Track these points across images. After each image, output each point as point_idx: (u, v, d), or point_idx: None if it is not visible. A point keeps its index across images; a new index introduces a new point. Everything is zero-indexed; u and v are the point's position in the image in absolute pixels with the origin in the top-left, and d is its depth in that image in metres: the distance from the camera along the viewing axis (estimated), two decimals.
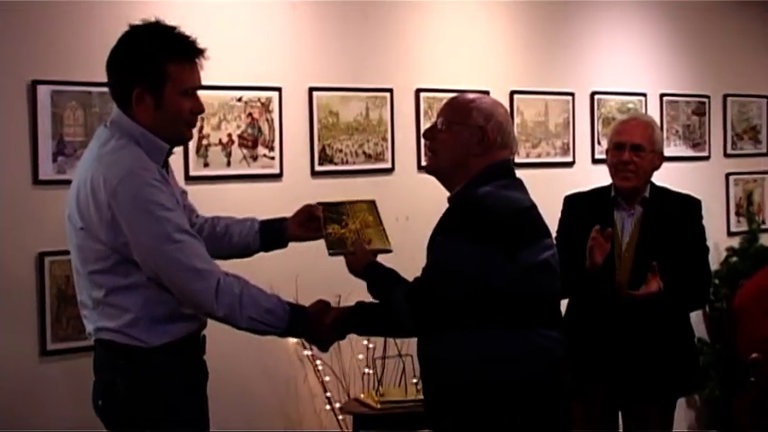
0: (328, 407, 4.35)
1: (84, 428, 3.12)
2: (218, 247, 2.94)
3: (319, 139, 4.48)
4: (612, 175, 3.59)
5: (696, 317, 5.10)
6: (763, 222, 6.15)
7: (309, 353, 4.24)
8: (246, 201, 4.07)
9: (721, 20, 6.03)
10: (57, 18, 3.80)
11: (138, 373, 2.54)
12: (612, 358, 3.50)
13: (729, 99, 6.08)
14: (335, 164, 4.52)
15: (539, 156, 5.20)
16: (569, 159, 5.34)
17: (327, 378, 4.34)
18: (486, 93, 4.48)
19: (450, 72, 4.86)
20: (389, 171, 4.68)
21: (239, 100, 4.25)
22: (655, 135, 3.60)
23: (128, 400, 2.54)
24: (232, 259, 3.02)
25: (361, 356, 4.38)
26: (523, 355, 2.55)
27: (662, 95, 5.76)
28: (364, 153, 4.60)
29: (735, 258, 5.86)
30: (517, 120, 5.06)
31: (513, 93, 5.08)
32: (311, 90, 4.45)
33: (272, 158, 4.34)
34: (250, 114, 4.28)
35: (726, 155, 6.10)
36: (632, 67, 5.63)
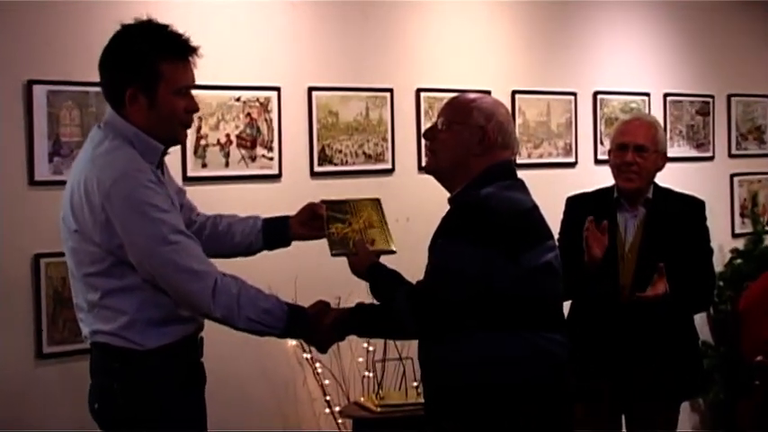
0: (328, 410, 4.34)
1: None
2: (220, 246, 2.95)
3: (319, 140, 4.47)
4: (615, 176, 3.59)
5: (700, 319, 5.09)
6: None
7: (309, 355, 4.24)
8: (245, 202, 4.05)
9: (726, 19, 6.03)
10: (53, 17, 3.80)
11: (135, 376, 2.53)
12: (616, 361, 3.49)
13: (734, 99, 6.08)
14: (335, 164, 4.52)
15: (541, 156, 5.20)
16: (571, 160, 5.34)
17: (327, 381, 4.34)
18: (488, 92, 4.48)
19: (451, 71, 4.86)
20: (390, 172, 4.68)
21: (238, 100, 4.25)
22: (658, 135, 3.60)
23: (124, 404, 2.54)
24: (234, 258, 3.02)
25: (360, 359, 4.38)
26: (526, 358, 2.55)
27: (665, 95, 5.76)
28: (364, 153, 4.60)
29: (739, 260, 5.85)
30: (519, 120, 5.06)
31: (514, 92, 5.08)
32: (310, 90, 4.45)
33: (271, 159, 4.34)
34: (249, 114, 4.28)
35: (730, 155, 6.09)
36: (635, 66, 5.63)
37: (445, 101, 2.83)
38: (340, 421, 4.32)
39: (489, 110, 2.69)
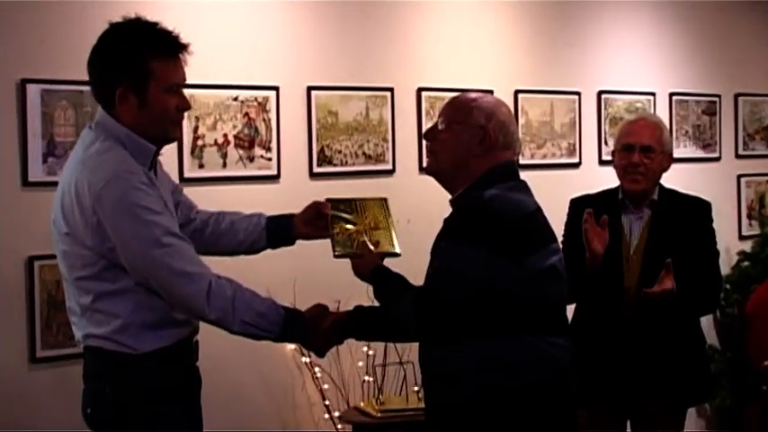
0: (327, 416, 4.34)
1: None
2: (223, 244, 2.95)
3: (318, 140, 4.47)
4: (621, 178, 3.58)
5: (707, 323, 5.09)
6: None
7: (308, 360, 4.24)
8: (243, 203, 4.01)
9: (732, 17, 6.02)
10: (47, 15, 3.79)
11: (128, 380, 2.53)
12: (621, 365, 3.49)
13: (741, 98, 6.08)
14: (335, 165, 4.51)
15: (544, 157, 5.20)
16: (575, 160, 5.33)
17: (326, 386, 4.34)
18: (490, 92, 4.48)
19: (453, 71, 4.86)
20: (390, 172, 4.67)
21: (235, 99, 4.24)
22: (664, 136, 3.59)
23: (117, 409, 2.53)
24: (237, 256, 3.01)
25: (360, 364, 4.38)
26: (529, 362, 2.54)
27: (671, 95, 5.76)
28: (364, 154, 4.60)
29: (746, 263, 5.85)
30: (522, 120, 5.06)
31: (517, 92, 5.08)
32: (309, 89, 4.44)
33: (270, 159, 4.33)
34: (246, 114, 4.27)
35: (737, 156, 6.09)
36: (641, 65, 5.63)
37: (447, 100, 2.82)
38: (339, 427, 4.32)
39: (490, 109, 2.68)
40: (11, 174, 3.71)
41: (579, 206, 3.61)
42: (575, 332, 3.35)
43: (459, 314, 2.51)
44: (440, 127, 2.71)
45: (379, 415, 4.17)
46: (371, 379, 4.36)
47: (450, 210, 2.69)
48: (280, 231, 2.99)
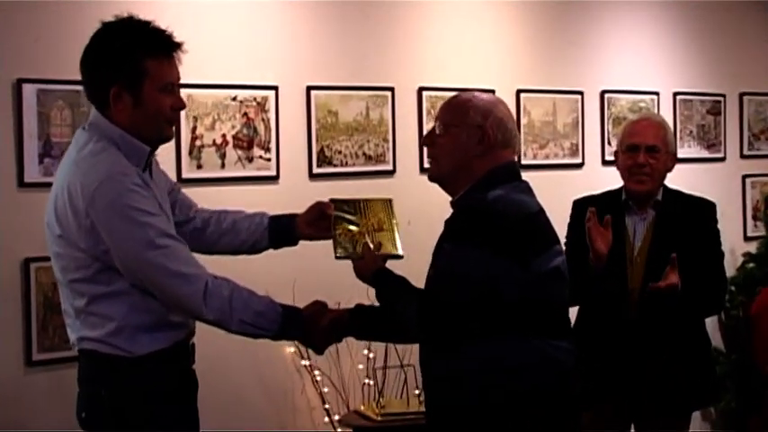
0: (327, 419, 4.33)
1: None
2: (224, 243, 2.96)
3: (317, 140, 4.47)
4: (626, 179, 3.57)
5: (711, 325, 5.08)
6: None
7: (307, 363, 4.23)
8: (242, 204, 3.98)
9: (738, 16, 6.02)
10: (43, 14, 3.79)
11: (123, 383, 2.53)
12: (625, 367, 3.48)
13: (746, 98, 6.07)
14: (335, 166, 4.51)
15: (546, 157, 5.19)
16: (578, 161, 5.33)
17: (326, 389, 4.33)
18: (492, 92, 4.47)
19: (454, 70, 4.85)
20: (391, 173, 4.67)
21: (234, 99, 4.24)
22: (668, 136, 3.59)
23: (112, 412, 2.53)
24: (238, 256, 3.01)
25: (361, 366, 4.37)
26: (533, 366, 2.54)
27: (675, 94, 5.75)
28: (364, 154, 4.59)
29: (752, 264, 5.84)
30: (524, 120, 5.06)
31: (519, 91, 5.07)
32: (309, 89, 4.44)
33: (269, 160, 4.33)
34: (245, 114, 4.27)
35: (742, 156, 6.08)
36: (644, 64, 5.62)
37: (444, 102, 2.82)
38: (339, 430, 4.31)
39: (486, 107, 2.67)
40: (7, 174, 3.71)
41: (582, 207, 3.61)
42: (578, 334, 3.36)
43: (464, 317, 2.50)
44: (437, 131, 2.70)
45: (379, 418, 4.16)
46: (372, 382, 4.35)
47: (451, 211, 2.68)
48: (282, 231, 2.98)
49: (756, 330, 4.86)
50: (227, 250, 2.98)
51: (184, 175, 4.08)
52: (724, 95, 5.97)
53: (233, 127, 4.24)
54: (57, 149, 3.74)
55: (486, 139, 2.63)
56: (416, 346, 2.77)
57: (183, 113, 3.99)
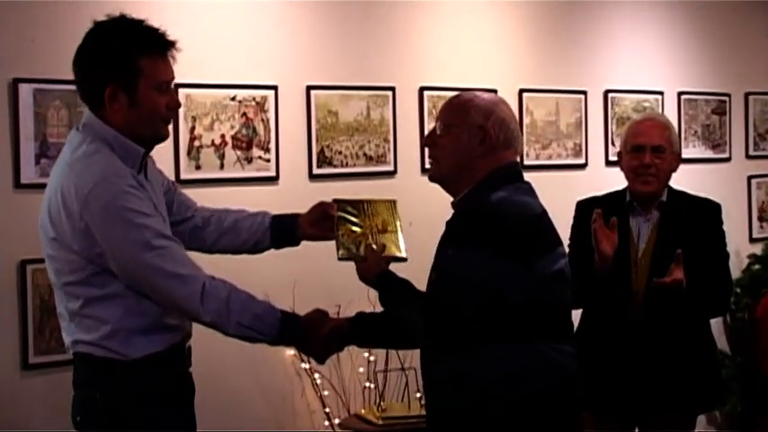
0: (327, 423, 4.33)
1: None
2: (225, 242, 2.96)
3: (317, 141, 4.46)
4: (631, 180, 3.57)
5: (716, 328, 5.08)
6: None
7: (307, 366, 4.23)
8: (241, 205, 4.03)
9: (742, 14, 6.01)
10: (40, 13, 3.79)
11: (118, 387, 2.53)
12: (629, 370, 3.48)
13: (751, 97, 6.07)
14: (335, 166, 4.51)
15: (549, 157, 5.19)
16: (581, 161, 5.33)
17: (326, 392, 4.33)
18: (494, 91, 4.47)
19: (456, 69, 4.85)
20: (391, 174, 4.67)
21: (233, 99, 4.24)
22: (673, 135, 3.59)
23: (108, 416, 2.53)
24: (240, 255, 3.01)
25: (361, 370, 4.37)
26: (537, 370, 2.53)
27: (680, 94, 5.75)
28: (365, 155, 4.59)
29: (757, 266, 5.84)
30: (526, 120, 5.06)
31: (521, 91, 5.07)
32: (309, 88, 4.44)
33: (268, 161, 4.33)
34: (244, 114, 4.27)
35: (747, 156, 6.08)
36: (648, 63, 5.62)
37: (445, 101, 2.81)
38: None
39: (487, 107, 2.66)
40: (3, 175, 3.71)
41: (586, 209, 3.61)
42: (582, 337, 3.36)
43: (469, 321, 2.49)
44: (438, 132, 2.70)
45: (380, 422, 4.16)
46: (373, 385, 4.35)
47: (452, 212, 2.68)
48: (284, 231, 2.98)
49: (762, 333, 4.85)
50: (227, 250, 2.99)
51: (183, 176, 4.08)
52: (729, 95, 5.97)
53: (232, 127, 4.23)
54: (53, 150, 3.74)
55: (487, 139, 2.63)
56: (417, 350, 2.76)
57: (181, 113, 4.01)
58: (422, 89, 4.75)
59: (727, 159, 5.99)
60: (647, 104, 5.56)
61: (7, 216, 3.70)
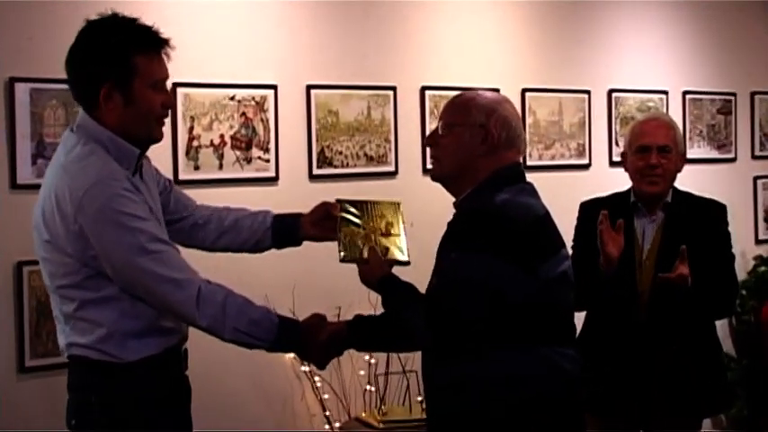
0: (327, 426, 4.33)
1: None
2: (225, 241, 2.96)
3: (318, 141, 4.46)
4: (637, 181, 3.56)
5: (722, 331, 5.07)
6: None
7: (307, 369, 4.22)
8: (240, 206, 4.04)
9: (747, 13, 6.01)
10: (36, 12, 3.78)
11: (114, 390, 2.52)
12: (634, 372, 3.47)
13: (757, 97, 6.06)
14: (335, 166, 4.50)
15: (552, 158, 5.19)
16: (585, 162, 5.32)
17: (326, 396, 4.32)
18: (496, 91, 4.45)
19: (458, 69, 4.85)
20: (392, 174, 4.66)
21: (232, 98, 4.23)
22: (678, 135, 3.59)
23: (103, 420, 2.52)
24: (241, 254, 3.00)
25: (362, 373, 4.36)
26: (540, 375, 2.53)
27: (685, 93, 5.74)
28: (366, 155, 4.59)
29: (763, 268, 5.83)
30: (529, 119, 5.05)
31: (524, 91, 5.07)
32: (309, 88, 4.43)
33: (268, 161, 4.32)
34: (244, 114, 4.26)
35: (753, 157, 6.07)
36: (653, 62, 5.61)
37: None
38: None
39: (489, 106, 2.65)
40: None
41: (590, 210, 3.60)
42: (587, 338, 3.36)
43: (472, 324, 2.48)
44: (440, 131, 2.69)
45: (381, 426, 4.16)
46: (373, 388, 4.35)
47: (454, 213, 2.67)
48: (286, 231, 2.98)
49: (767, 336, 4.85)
50: (228, 248, 2.99)
51: (181, 176, 4.07)
52: (734, 94, 5.96)
53: (231, 127, 4.23)
54: (50, 150, 3.72)
55: (489, 138, 2.62)
56: (418, 352, 2.76)
57: (179, 113, 4.01)
58: (423, 89, 4.75)
59: (733, 160, 5.98)
60: (651, 104, 5.55)
61: (3, 217, 3.70)
